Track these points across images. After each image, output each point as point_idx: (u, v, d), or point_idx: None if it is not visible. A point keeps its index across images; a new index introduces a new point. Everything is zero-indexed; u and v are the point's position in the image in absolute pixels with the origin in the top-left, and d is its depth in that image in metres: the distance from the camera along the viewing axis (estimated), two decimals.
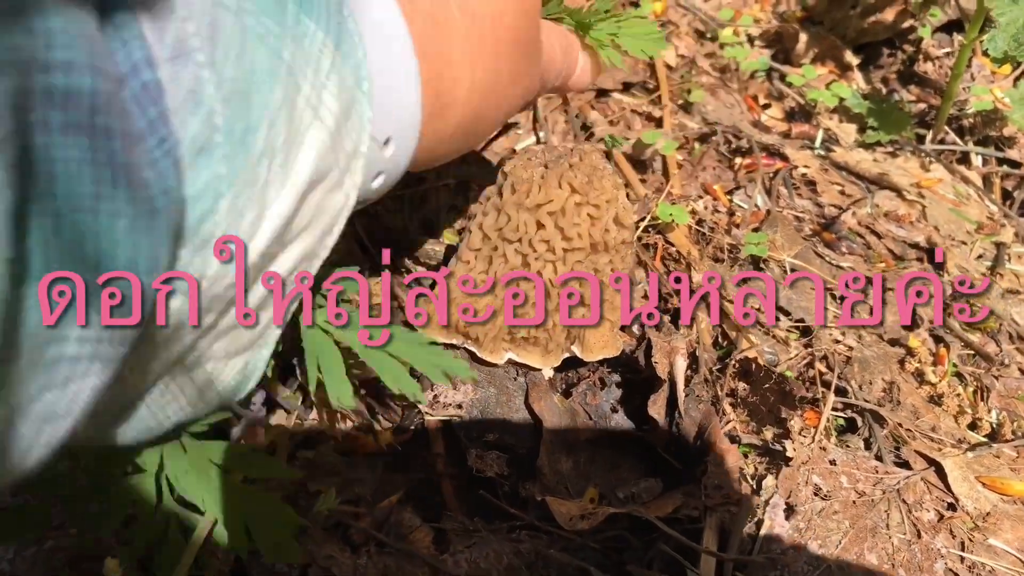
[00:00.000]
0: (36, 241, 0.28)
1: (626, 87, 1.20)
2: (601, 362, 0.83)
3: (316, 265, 0.46)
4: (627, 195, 1.03)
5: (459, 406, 0.78)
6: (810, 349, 0.90)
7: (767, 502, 0.75)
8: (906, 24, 1.40)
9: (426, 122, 0.50)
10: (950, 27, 1.44)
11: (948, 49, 1.41)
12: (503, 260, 0.74)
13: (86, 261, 0.30)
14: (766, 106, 1.29)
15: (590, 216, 0.72)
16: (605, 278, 0.76)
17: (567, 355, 0.80)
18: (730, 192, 1.10)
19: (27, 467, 0.33)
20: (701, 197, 1.08)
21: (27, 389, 0.30)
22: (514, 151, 1.09)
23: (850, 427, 0.86)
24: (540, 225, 0.72)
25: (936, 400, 0.90)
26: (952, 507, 0.78)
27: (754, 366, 0.80)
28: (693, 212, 1.02)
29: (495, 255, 0.74)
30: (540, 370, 0.81)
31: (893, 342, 0.95)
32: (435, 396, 0.78)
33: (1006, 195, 1.22)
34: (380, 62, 0.45)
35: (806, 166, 1.16)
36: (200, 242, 0.36)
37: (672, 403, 0.79)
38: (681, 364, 0.80)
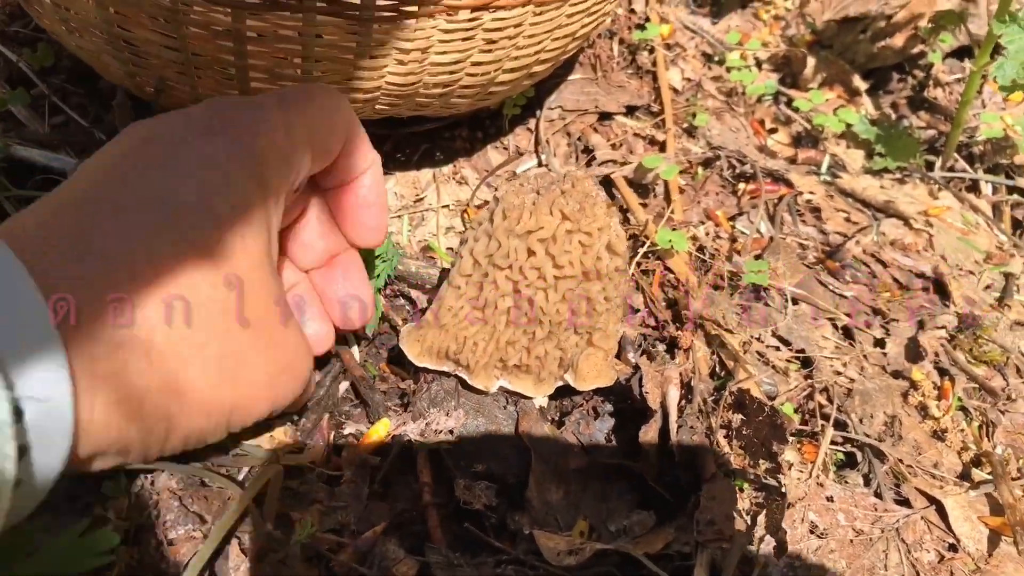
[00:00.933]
0: None
1: (629, 110, 1.19)
2: (595, 391, 0.82)
3: None
4: (626, 220, 1.02)
5: (451, 431, 0.76)
6: (810, 380, 0.88)
7: (761, 539, 0.73)
8: (916, 49, 1.39)
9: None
10: (961, 53, 1.43)
11: (959, 75, 1.39)
12: (494, 286, 0.72)
13: None
14: (772, 131, 1.27)
15: (581, 244, 0.71)
16: (598, 306, 0.74)
17: (560, 383, 0.79)
18: (733, 218, 1.08)
19: None
20: (703, 223, 1.06)
21: None
22: (515, 174, 1.08)
23: (849, 462, 0.84)
24: (531, 252, 0.71)
25: (939, 435, 0.87)
26: (953, 548, 0.76)
27: (747, 398, 0.78)
28: (694, 238, 1.01)
29: (486, 281, 0.73)
30: (531, 399, 0.80)
31: (896, 374, 0.93)
32: (427, 424, 0.76)
33: (1016, 224, 1.20)
34: None
35: (811, 192, 1.14)
36: None
37: (664, 434, 0.77)
38: (674, 394, 0.78)
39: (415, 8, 0.76)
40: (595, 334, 0.76)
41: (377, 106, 0.88)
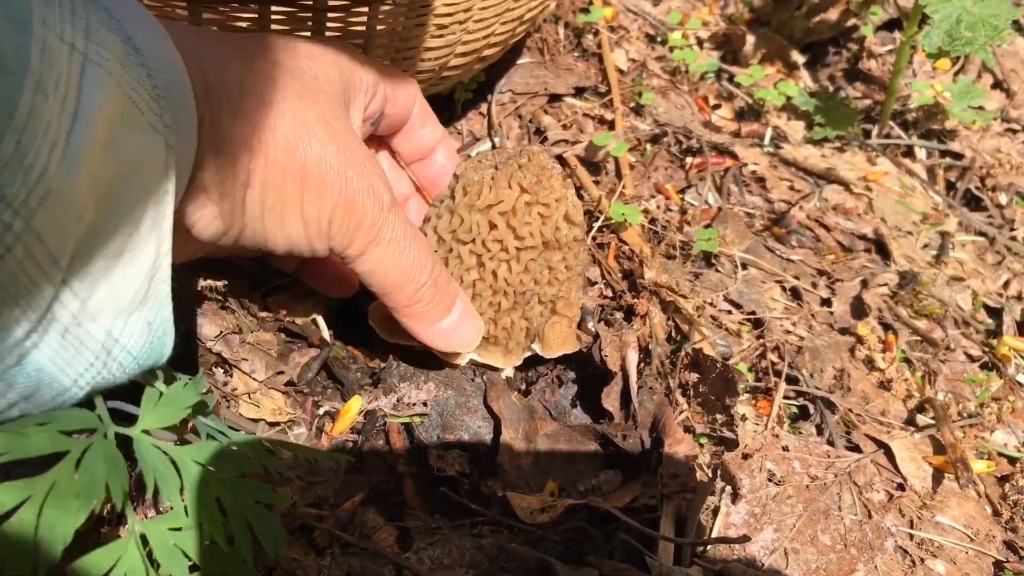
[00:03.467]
0: None
1: (578, 91, 1.23)
2: (559, 360, 0.85)
3: (166, 208, 0.52)
4: (580, 196, 1.05)
5: (424, 403, 0.79)
6: (762, 340, 0.92)
7: (723, 489, 0.77)
8: (850, 23, 1.44)
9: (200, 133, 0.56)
10: (892, 25, 1.48)
11: (890, 46, 1.45)
12: (459, 261, 0.75)
13: None
14: (716, 106, 1.31)
15: (540, 215, 0.74)
16: (559, 275, 0.77)
17: (528, 354, 0.82)
18: (682, 191, 1.12)
19: None
20: (653, 197, 1.10)
21: None
22: (469, 156, 1.10)
23: (802, 414, 0.88)
24: (492, 225, 0.74)
25: (885, 385, 0.92)
26: (901, 487, 0.81)
27: (702, 357, 0.82)
28: (646, 211, 1.05)
29: (450, 256, 0.76)
30: (501, 370, 0.83)
31: (843, 331, 0.98)
32: (398, 398, 0.79)
33: (949, 186, 1.26)
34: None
35: (756, 163, 1.18)
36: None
37: (626, 396, 0.81)
38: (633, 357, 0.82)
39: None
40: (558, 302, 0.79)
41: None
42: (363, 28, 0.81)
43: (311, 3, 0.77)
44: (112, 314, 0.50)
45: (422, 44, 0.87)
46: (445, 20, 0.85)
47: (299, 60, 0.65)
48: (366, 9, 0.79)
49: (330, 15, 0.78)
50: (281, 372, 0.79)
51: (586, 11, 1.35)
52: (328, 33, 0.80)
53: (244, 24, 0.78)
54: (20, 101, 0.40)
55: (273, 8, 0.77)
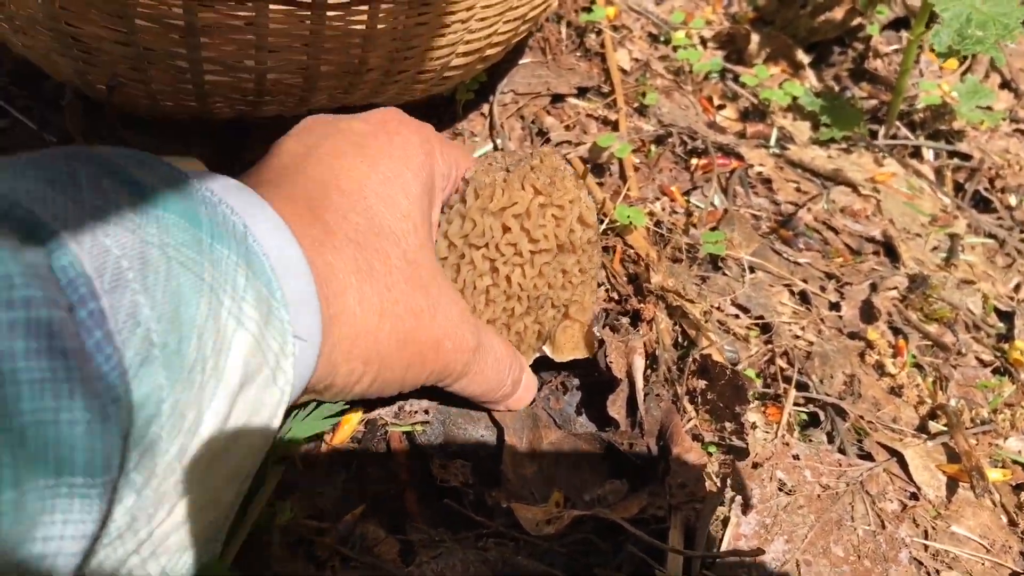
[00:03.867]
0: (4, 453, 0.34)
1: (581, 92, 1.21)
2: (564, 366, 0.83)
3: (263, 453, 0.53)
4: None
5: (426, 411, 0.77)
6: (770, 345, 0.91)
7: (732, 499, 0.75)
8: (855, 22, 1.43)
9: (324, 327, 0.55)
10: (898, 24, 1.46)
11: (897, 46, 1.43)
12: (471, 267, 0.73)
13: (48, 465, 0.36)
14: (721, 107, 1.30)
15: (555, 216, 0.72)
16: (573, 279, 0.75)
17: (538, 355, 0.80)
18: (687, 193, 1.10)
19: None
20: (658, 199, 1.08)
21: None
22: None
23: (812, 421, 0.87)
24: (506, 228, 0.72)
25: (896, 391, 0.90)
26: (915, 496, 0.79)
27: (710, 363, 0.80)
28: (651, 214, 1.03)
29: (463, 263, 0.73)
30: None
31: (852, 335, 0.96)
32: (400, 406, 0.77)
33: (958, 187, 1.24)
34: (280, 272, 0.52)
35: (761, 165, 1.17)
36: (148, 443, 0.41)
37: (632, 403, 0.79)
38: (639, 363, 0.80)
39: None
40: (571, 307, 0.77)
41: (335, 95, 0.88)
42: (363, 28, 0.79)
43: (309, 1, 0.75)
44: (172, 553, 0.48)
45: (424, 44, 0.85)
46: (447, 19, 0.83)
47: (395, 204, 0.65)
48: (366, 8, 0.77)
49: (330, 13, 0.77)
50: None
51: (588, 10, 1.33)
52: (328, 32, 0.78)
53: (240, 23, 0.76)
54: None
55: (271, 7, 0.75)
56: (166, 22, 0.76)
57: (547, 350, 0.79)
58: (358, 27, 0.79)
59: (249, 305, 0.47)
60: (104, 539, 0.41)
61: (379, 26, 0.79)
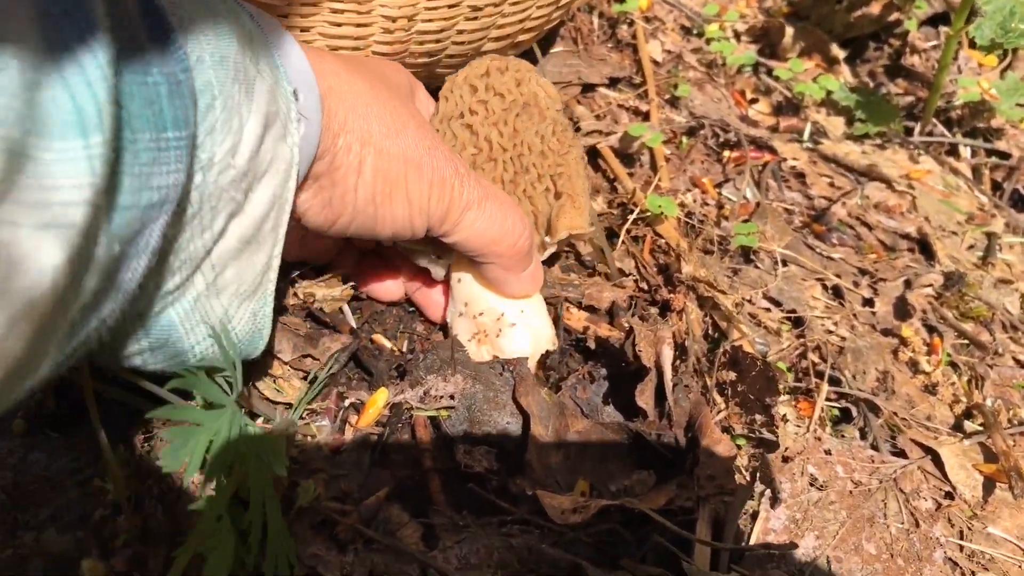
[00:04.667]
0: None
1: (612, 82, 1.19)
2: (589, 356, 0.82)
3: (286, 214, 0.59)
4: (614, 188, 1.02)
5: (451, 397, 0.76)
6: (802, 340, 0.89)
7: (762, 493, 0.73)
8: (892, 17, 1.40)
9: (322, 101, 0.61)
10: (936, 20, 1.44)
11: (935, 42, 1.41)
12: (454, 140, 0.78)
13: (148, 121, 0.46)
14: (753, 100, 1.28)
15: (515, 79, 0.77)
16: (551, 144, 0.78)
17: (543, 256, 0.82)
18: (719, 185, 1.09)
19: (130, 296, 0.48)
20: (689, 190, 1.07)
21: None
22: None
23: (845, 417, 0.85)
24: (473, 88, 0.77)
25: (930, 389, 0.88)
26: (950, 495, 0.77)
27: (741, 354, 0.79)
28: (682, 205, 1.01)
29: (446, 140, 0.77)
30: (526, 360, 0.80)
31: (886, 332, 0.94)
32: (425, 391, 0.76)
33: (996, 186, 1.21)
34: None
35: (795, 159, 1.15)
36: (207, 127, 0.50)
37: (660, 393, 0.77)
38: (668, 354, 0.78)
39: None
40: (559, 181, 0.79)
41: None
42: (395, 11, 0.78)
43: None
44: (231, 296, 0.58)
45: (455, 27, 0.84)
46: (480, 2, 0.82)
47: (382, 67, 0.74)
48: None
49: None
50: (308, 355, 0.77)
51: (621, 1, 1.32)
52: (356, 16, 0.77)
53: (276, 1, 0.76)
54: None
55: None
56: None
57: (546, 240, 0.80)
58: (388, 9, 0.78)
59: (264, 65, 0.55)
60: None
61: (408, 6, 0.79)
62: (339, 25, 0.79)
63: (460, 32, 0.85)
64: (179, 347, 0.56)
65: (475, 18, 0.84)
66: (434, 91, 0.81)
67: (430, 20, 0.82)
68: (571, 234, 0.79)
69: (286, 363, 0.75)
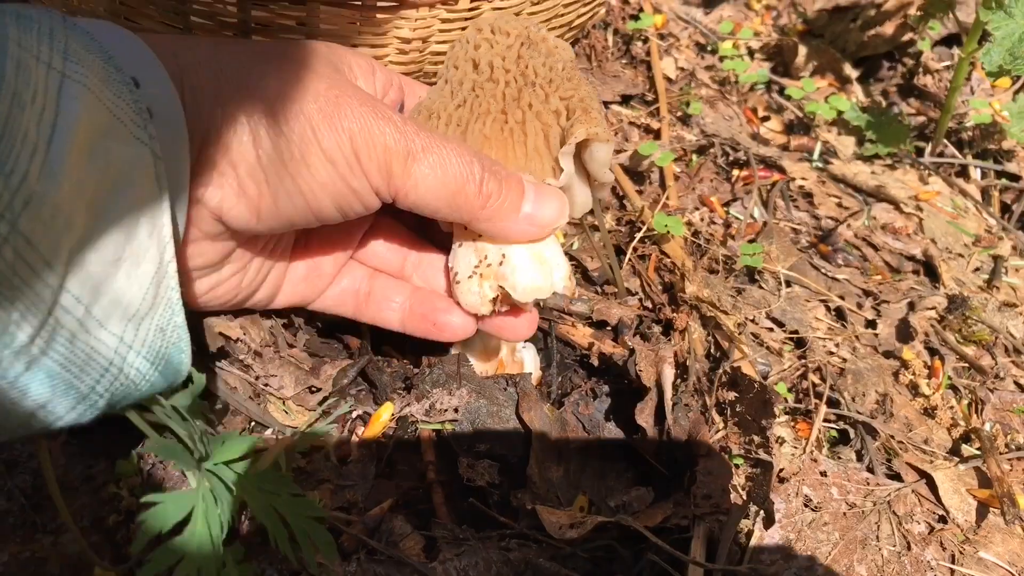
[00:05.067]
0: None
1: (625, 99, 1.21)
2: (593, 372, 0.84)
3: (166, 226, 0.54)
4: (623, 206, 1.04)
5: (455, 410, 0.78)
6: (803, 360, 0.90)
7: (757, 513, 0.75)
8: (906, 37, 1.41)
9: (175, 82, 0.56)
10: (950, 40, 1.45)
11: (948, 62, 1.41)
12: (455, 71, 0.72)
13: None
14: (765, 118, 1.29)
15: (524, 25, 0.73)
16: (557, 70, 0.71)
17: (560, 178, 0.71)
18: (727, 204, 1.10)
19: None
20: (698, 209, 1.08)
21: None
22: None
23: (842, 439, 0.86)
24: (478, 29, 0.72)
25: (929, 412, 0.90)
26: (943, 520, 0.78)
27: (740, 376, 0.80)
28: (689, 223, 1.03)
29: (452, 80, 0.72)
30: (530, 375, 0.81)
31: (887, 354, 0.95)
32: (430, 404, 0.78)
33: (1004, 208, 1.22)
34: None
35: (804, 178, 1.16)
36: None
37: (660, 412, 0.79)
38: (669, 373, 0.80)
39: None
40: (573, 107, 0.70)
41: None
42: (409, 32, 0.80)
43: (359, 3, 0.76)
44: (121, 320, 0.52)
45: None
46: None
47: (280, 44, 0.67)
48: (413, 11, 0.79)
49: (379, 15, 0.78)
50: (312, 387, 0.78)
51: (636, 18, 1.33)
52: (374, 32, 0.80)
53: (291, 22, 0.78)
54: None
55: (321, 7, 0.77)
56: (220, 19, 0.78)
57: (561, 152, 0.69)
58: (404, 31, 0.80)
59: (79, 65, 0.49)
60: None
61: (425, 29, 0.81)
62: (356, 46, 0.81)
63: None
64: (74, 394, 0.51)
65: None
66: None
67: (444, 41, 0.84)
68: (589, 141, 0.69)
69: (288, 399, 0.76)
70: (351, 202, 0.63)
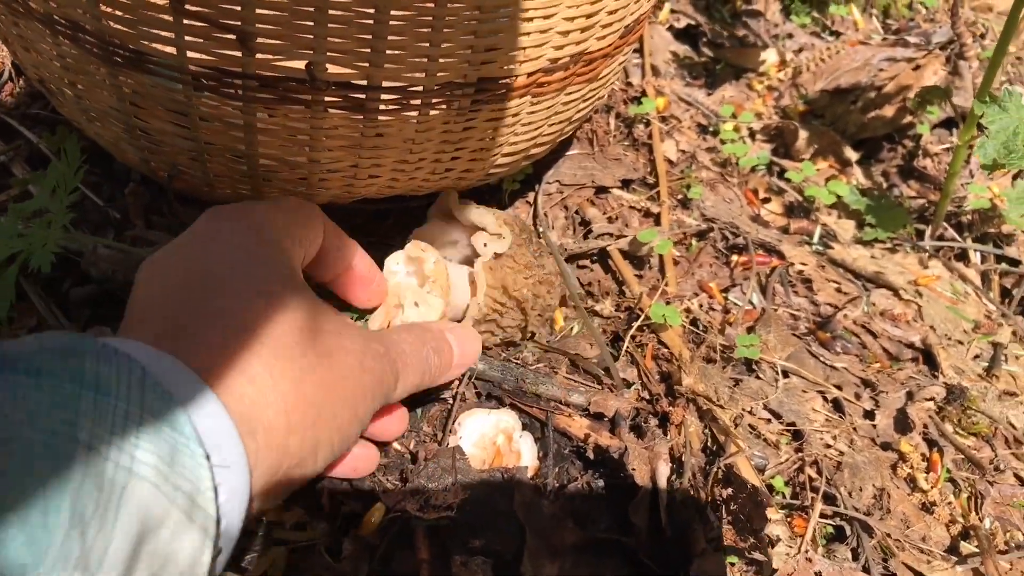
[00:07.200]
0: None
1: (625, 184, 1.23)
2: (589, 465, 0.85)
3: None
4: (621, 292, 1.05)
5: (449, 507, 0.79)
6: (800, 454, 0.90)
7: None
8: (906, 120, 1.43)
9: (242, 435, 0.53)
10: (949, 123, 1.46)
11: (947, 145, 1.43)
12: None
13: None
14: (766, 200, 1.31)
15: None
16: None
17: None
18: (726, 290, 1.11)
19: None
20: (696, 295, 1.09)
21: None
22: None
23: (838, 535, 0.86)
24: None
25: (927, 508, 0.89)
26: None
27: (733, 475, 0.81)
28: (687, 311, 1.04)
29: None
30: (526, 468, 0.82)
31: (885, 446, 0.95)
32: (425, 500, 0.79)
33: (1004, 293, 1.23)
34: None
35: (803, 263, 1.17)
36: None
37: (655, 509, 0.79)
38: (664, 470, 0.81)
39: (419, 102, 0.80)
40: None
41: (383, 187, 0.91)
42: (412, 132, 0.83)
43: (362, 98, 0.79)
44: None
45: (470, 146, 0.88)
46: (493, 125, 0.87)
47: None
48: (416, 114, 0.81)
49: (380, 119, 0.80)
50: None
51: (638, 101, 1.36)
52: (378, 133, 0.82)
53: (297, 124, 0.80)
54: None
55: (329, 111, 0.79)
56: (226, 120, 0.80)
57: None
58: (407, 131, 0.82)
59: (144, 451, 0.44)
60: None
61: (427, 131, 0.83)
62: None
63: (473, 151, 0.89)
64: None
65: (489, 138, 0.89)
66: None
67: (445, 141, 0.86)
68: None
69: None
70: (359, 425, 0.69)
